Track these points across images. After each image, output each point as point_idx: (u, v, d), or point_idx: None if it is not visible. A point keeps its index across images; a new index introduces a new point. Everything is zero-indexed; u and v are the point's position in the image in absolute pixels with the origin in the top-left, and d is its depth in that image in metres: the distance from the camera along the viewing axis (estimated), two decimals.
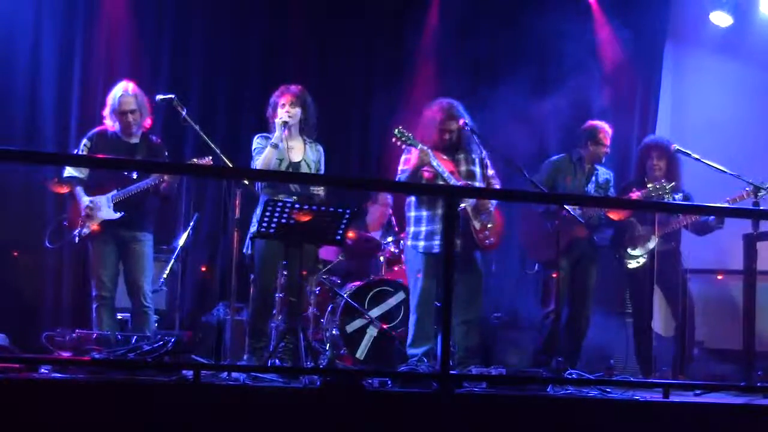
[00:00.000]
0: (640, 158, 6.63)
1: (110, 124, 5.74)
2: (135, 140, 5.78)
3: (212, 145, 5.55)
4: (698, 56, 8.42)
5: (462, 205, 5.62)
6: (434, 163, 5.57)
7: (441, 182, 5.60)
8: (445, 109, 5.76)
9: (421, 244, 5.67)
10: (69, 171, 5.72)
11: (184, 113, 5.63)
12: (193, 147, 6.10)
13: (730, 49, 8.07)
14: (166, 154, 5.89)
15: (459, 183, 5.62)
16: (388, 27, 8.05)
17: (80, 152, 5.73)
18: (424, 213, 5.69)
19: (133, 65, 7.23)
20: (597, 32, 8.27)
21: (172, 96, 5.73)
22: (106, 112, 5.75)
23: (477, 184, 5.74)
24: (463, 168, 5.74)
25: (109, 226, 5.64)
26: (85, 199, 5.63)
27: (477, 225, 5.69)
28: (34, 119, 7.03)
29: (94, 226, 5.60)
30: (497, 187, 5.95)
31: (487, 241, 5.74)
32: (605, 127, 6.39)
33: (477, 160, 5.81)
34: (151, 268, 5.78)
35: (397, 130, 5.67)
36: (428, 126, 5.75)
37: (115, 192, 5.64)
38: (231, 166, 5.50)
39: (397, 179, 5.78)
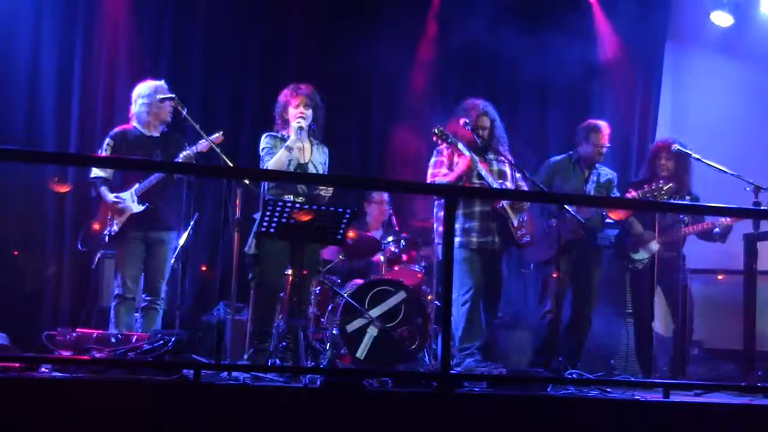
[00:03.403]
0: (651, 157, 6.58)
1: (136, 110, 5.81)
2: (156, 134, 5.86)
3: (213, 145, 5.55)
4: (699, 56, 8.42)
5: (500, 203, 5.71)
6: (483, 173, 5.63)
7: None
8: (478, 109, 5.82)
9: (457, 240, 5.73)
10: (95, 172, 5.80)
11: (184, 113, 5.64)
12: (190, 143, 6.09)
13: (731, 49, 8.07)
14: (187, 145, 5.90)
15: (497, 186, 5.72)
16: (388, 25, 8.04)
17: (103, 152, 5.80)
18: (459, 211, 5.74)
19: (133, 64, 7.23)
20: (597, 32, 8.27)
21: (173, 95, 5.75)
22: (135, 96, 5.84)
23: (508, 184, 5.85)
24: (495, 168, 5.84)
25: (136, 225, 5.71)
26: (110, 197, 5.71)
27: (515, 222, 5.75)
28: (34, 118, 7.03)
29: (122, 221, 5.67)
30: (525, 189, 5.99)
31: (525, 239, 5.84)
32: (600, 126, 6.31)
33: (507, 162, 5.85)
34: (170, 268, 5.88)
35: (436, 129, 5.75)
36: (461, 125, 5.80)
37: (137, 185, 5.69)
38: (231, 165, 5.50)
39: (429, 180, 5.82)
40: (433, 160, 5.87)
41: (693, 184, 6.46)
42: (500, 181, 5.76)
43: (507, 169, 5.88)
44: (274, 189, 5.55)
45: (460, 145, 5.69)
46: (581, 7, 8.27)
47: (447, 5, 8.20)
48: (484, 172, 5.68)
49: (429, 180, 5.84)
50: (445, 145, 5.77)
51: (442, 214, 5.78)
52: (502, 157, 5.87)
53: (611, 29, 8.27)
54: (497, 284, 5.90)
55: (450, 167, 5.80)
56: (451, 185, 5.53)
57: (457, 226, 5.75)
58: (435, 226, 5.95)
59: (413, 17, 8.13)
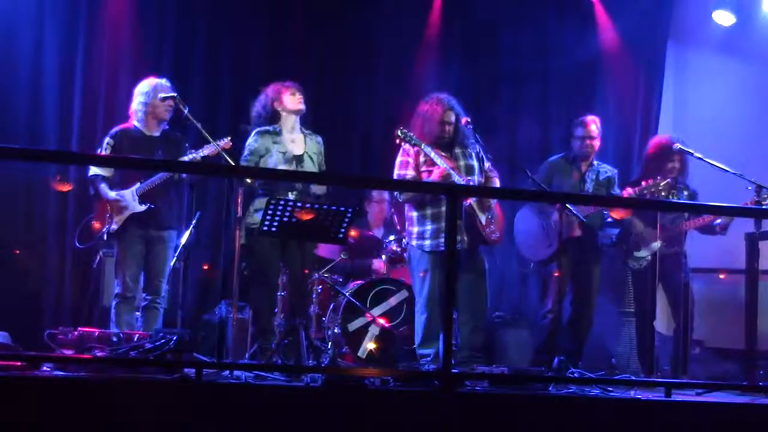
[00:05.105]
0: (655, 158, 6.46)
1: (134, 107, 5.81)
2: (156, 133, 5.85)
3: (215, 144, 5.55)
4: (701, 55, 8.41)
5: (468, 201, 5.62)
6: (456, 178, 5.56)
7: None
8: (444, 103, 5.76)
9: (427, 242, 5.65)
10: (93, 170, 5.78)
11: (186, 112, 5.64)
12: (195, 145, 6.09)
13: (733, 48, 8.06)
14: (187, 145, 5.91)
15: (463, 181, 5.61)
16: (389, 24, 8.04)
17: (103, 151, 5.79)
18: (428, 211, 5.67)
19: (135, 63, 7.22)
20: (599, 31, 8.27)
21: (175, 94, 5.75)
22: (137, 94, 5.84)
23: (476, 178, 5.73)
24: (461, 163, 5.73)
25: (137, 224, 5.70)
26: (111, 194, 5.69)
27: (483, 220, 5.69)
28: (36, 117, 7.03)
29: (122, 220, 5.66)
30: (496, 180, 5.94)
31: (493, 236, 5.74)
32: (584, 120, 6.27)
33: (474, 155, 5.80)
34: (170, 267, 5.88)
35: (399, 131, 5.65)
36: (427, 120, 5.74)
37: (138, 185, 5.69)
38: (233, 164, 5.50)
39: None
40: (398, 160, 5.77)
41: (690, 178, 6.45)
42: (468, 177, 5.66)
43: (475, 162, 5.79)
44: (267, 185, 5.57)
45: (427, 148, 5.61)
46: (583, 5, 8.26)
47: (449, 5, 8.19)
48: (456, 178, 5.61)
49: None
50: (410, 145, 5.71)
51: (412, 214, 5.76)
52: (470, 151, 5.80)
53: (613, 28, 8.26)
54: (476, 285, 5.70)
55: (416, 168, 5.71)
56: (455, 185, 5.48)
57: (427, 227, 5.65)
58: (408, 227, 5.83)
59: (414, 13, 8.13)
